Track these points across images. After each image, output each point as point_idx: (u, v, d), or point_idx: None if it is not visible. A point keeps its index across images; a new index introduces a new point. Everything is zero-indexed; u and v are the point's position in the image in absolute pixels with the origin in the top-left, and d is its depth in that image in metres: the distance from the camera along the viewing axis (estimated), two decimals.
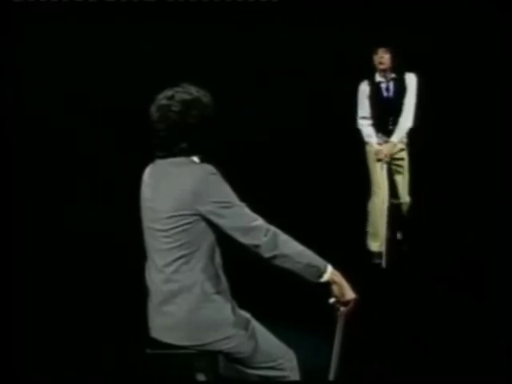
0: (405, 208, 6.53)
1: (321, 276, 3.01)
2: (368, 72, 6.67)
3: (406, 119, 6.24)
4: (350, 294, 3.05)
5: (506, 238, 6.39)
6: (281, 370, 3.17)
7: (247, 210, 2.99)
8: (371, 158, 6.39)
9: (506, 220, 6.75)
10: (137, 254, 3.28)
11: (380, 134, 6.35)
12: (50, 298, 5.45)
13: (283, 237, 2.99)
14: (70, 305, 5.31)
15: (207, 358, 3.09)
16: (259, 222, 2.98)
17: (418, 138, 6.50)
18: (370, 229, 6.46)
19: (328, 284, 3.03)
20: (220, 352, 3.08)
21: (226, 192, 2.98)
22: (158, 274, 3.06)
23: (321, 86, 7.84)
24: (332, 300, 3.07)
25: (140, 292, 3.19)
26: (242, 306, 3.15)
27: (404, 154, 6.45)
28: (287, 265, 2.99)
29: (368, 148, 6.43)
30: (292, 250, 2.98)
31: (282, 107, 7.83)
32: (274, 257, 2.97)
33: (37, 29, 7.34)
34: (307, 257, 3.00)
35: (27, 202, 7.01)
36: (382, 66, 6.10)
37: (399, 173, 6.47)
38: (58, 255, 6.27)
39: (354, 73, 6.95)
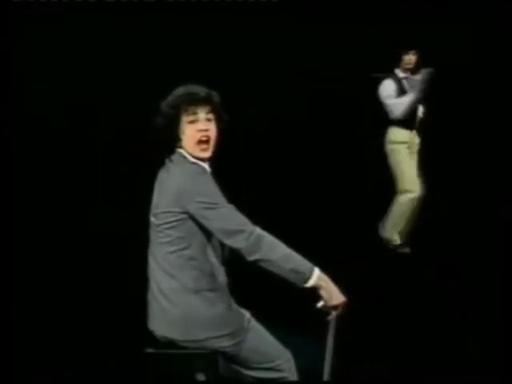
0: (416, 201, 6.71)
1: (306, 281, 2.98)
2: (368, 71, 6.69)
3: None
4: (338, 298, 3.01)
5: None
6: (279, 371, 3.16)
7: (233, 213, 2.99)
8: (403, 153, 6.61)
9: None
10: (137, 253, 3.29)
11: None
12: (49, 298, 5.45)
13: (269, 241, 2.97)
14: (69, 305, 5.30)
15: (207, 357, 3.09)
16: (243, 225, 2.97)
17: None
18: (394, 221, 6.68)
19: (315, 288, 2.99)
20: (217, 350, 3.08)
21: (212, 193, 2.99)
22: (155, 268, 3.09)
23: (321, 85, 7.85)
24: (320, 304, 3.02)
25: (140, 292, 3.20)
26: (240, 306, 3.14)
27: (416, 141, 6.72)
28: (271, 269, 2.97)
29: (396, 145, 6.63)
30: (276, 255, 2.95)
31: (282, 107, 7.83)
32: (257, 261, 2.96)
33: (37, 29, 7.34)
34: (292, 261, 2.97)
35: (27, 202, 7.01)
36: (408, 66, 6.57)
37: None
38: (57, 255, 6.27)
39: (355, 72, 6.96)
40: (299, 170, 7.78)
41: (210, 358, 3.10)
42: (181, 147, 3.09)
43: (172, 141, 3.08)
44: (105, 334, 4.80)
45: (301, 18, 7.83)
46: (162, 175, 3.15)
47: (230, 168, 3.17)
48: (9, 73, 7.12)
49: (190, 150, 3.08)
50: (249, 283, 4.26)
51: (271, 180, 7.54)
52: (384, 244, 6.72)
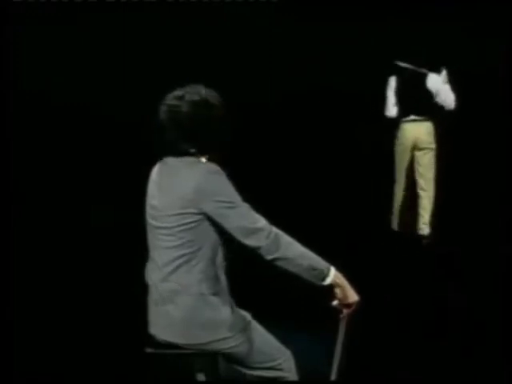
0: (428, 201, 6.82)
1: (323, 279, 3.00)
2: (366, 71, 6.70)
3: None
4: (352, 297, 3.04)
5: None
6: (280, 370, 3.15)
7: (250, 211, 2.98)
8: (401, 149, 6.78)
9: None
10: (137, 252, 3.28)
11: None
12: (49, 299, 5.44)
13: (286, 239, 2.98)
14: (69, 305, 5.30)
15: (207, 357, 3.09)
16: (262, 223, 2.97)
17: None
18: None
19: (331, 286, 3.02)
20: (218, 353, 3.07)
21: (229, 192, 2.97)
22: (156, 272, 3.06)
23: (321, 85, 7.85)
24: (335, 302, 3.06)
25: (140, 292, 3.19)
26: (240, 306, 3.14)
27: (432, 147, 6.76)
28: (289, 267, 2.98)
29: (399, 138, 6.76)
30: (294, 253, 2.97)
31: (283, 107, 7.84)
32: (276, 259, 2.96)
33: (37, 29, 7.35)
34: (309, 259, 2.99)
35: (26, 202, 7.01)
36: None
37: (424, 166, 6.77)
38: (56, 255, 6.26)
39: (355, 71, 6.96)
40: (307, 167, 7.79)
41: (210, 358, 3.10)
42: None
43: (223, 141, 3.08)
44: (105, 333, 4.80)
45: (301, 17, 7.84)
46: (164, 175, 3.08)
47: (233, 167, 3.15)
48: (9, 73, 7.12)
49: None
50: (249, 283, 4.26)
51: (278, 178, 7.54)
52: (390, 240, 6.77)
